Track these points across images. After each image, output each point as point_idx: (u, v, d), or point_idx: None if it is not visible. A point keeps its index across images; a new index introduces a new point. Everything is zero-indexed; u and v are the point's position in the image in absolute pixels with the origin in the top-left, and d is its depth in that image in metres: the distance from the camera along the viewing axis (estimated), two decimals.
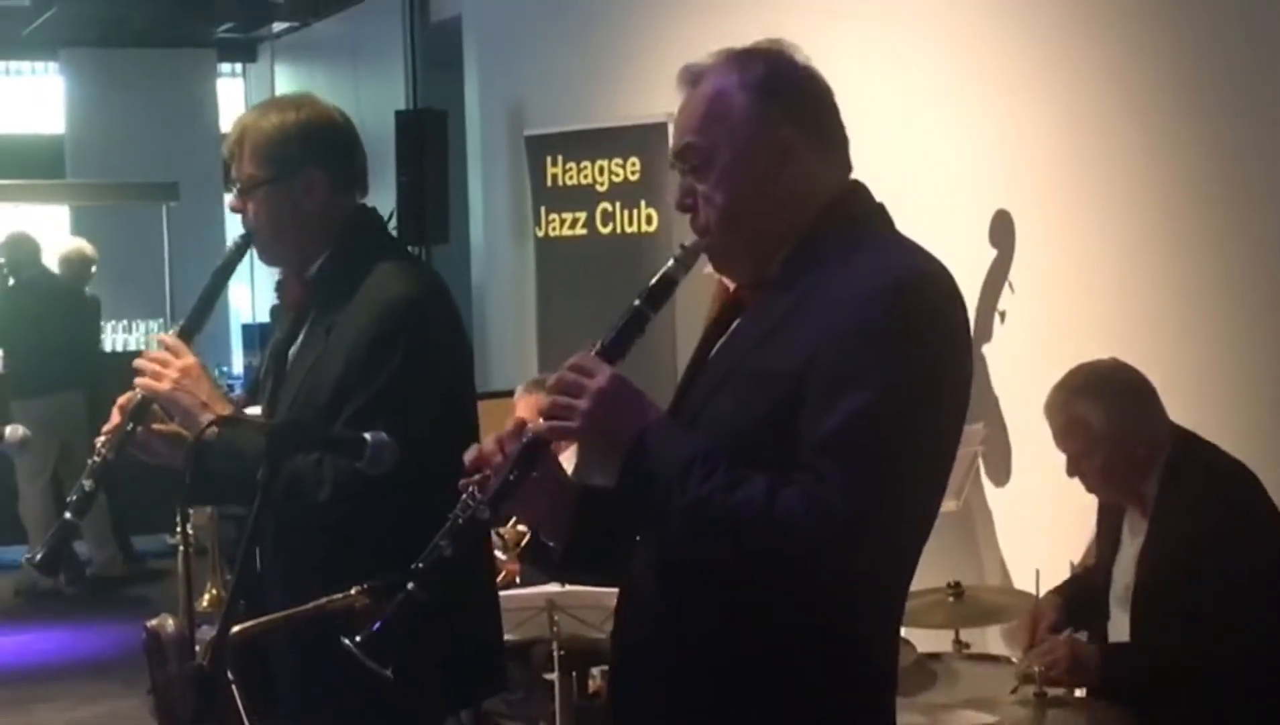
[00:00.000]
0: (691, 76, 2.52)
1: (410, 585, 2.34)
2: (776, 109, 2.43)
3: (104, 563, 10.11)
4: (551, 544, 2.59)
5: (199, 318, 3.42)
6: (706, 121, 2.45)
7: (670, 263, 2.45)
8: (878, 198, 2.49)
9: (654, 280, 2.44)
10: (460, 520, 2.37)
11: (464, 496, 2.38)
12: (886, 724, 2.43)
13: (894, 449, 2.21)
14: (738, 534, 2.21)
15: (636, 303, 2.43)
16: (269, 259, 3.42)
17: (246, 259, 3.50)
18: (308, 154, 3.27)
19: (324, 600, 2.89)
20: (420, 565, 2.36)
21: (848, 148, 2.50)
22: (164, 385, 3.22)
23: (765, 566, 2.22)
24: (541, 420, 2.34)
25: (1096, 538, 4.32)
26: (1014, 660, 4.30)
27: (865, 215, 2.46)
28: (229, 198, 3.44)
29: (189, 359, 3.25)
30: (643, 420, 2.29)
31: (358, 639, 2.35)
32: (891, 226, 2.48)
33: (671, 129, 2.54)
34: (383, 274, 3.25)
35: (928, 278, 2.33)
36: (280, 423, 2.94)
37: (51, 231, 12.08)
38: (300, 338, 3.36)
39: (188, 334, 3.35)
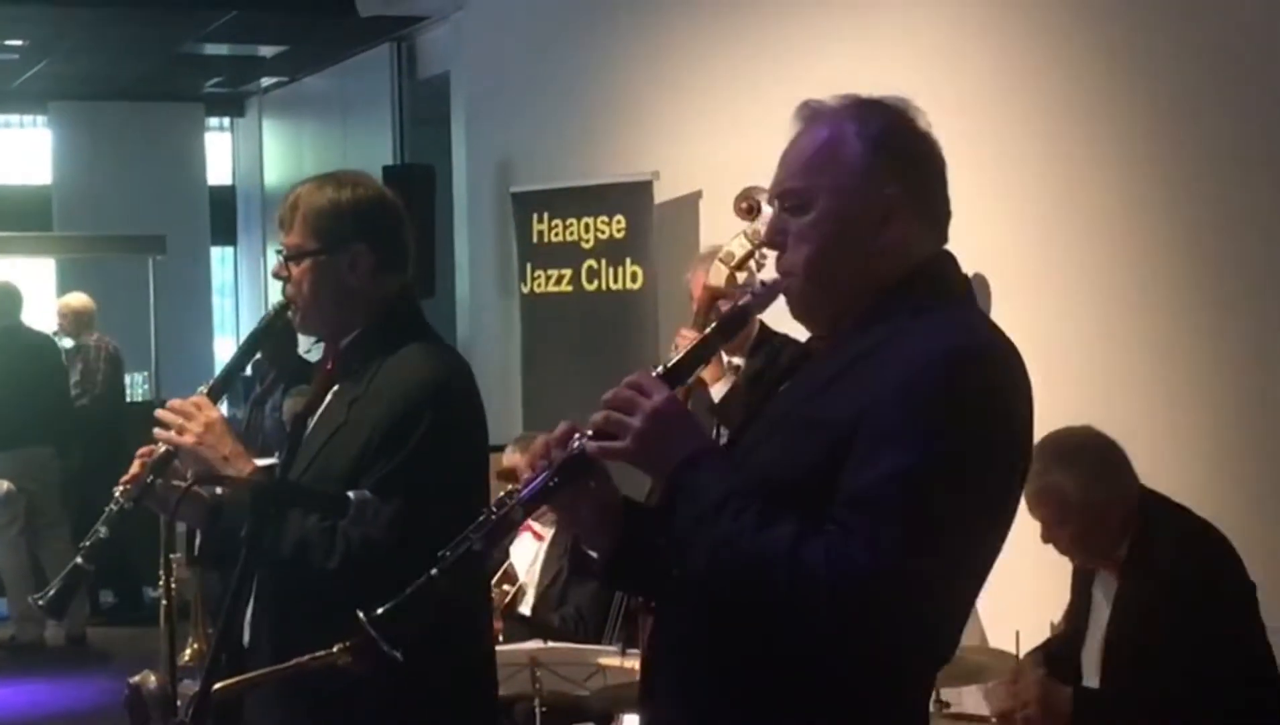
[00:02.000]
0: (809, 114, 2.43)
1: (434, 572, 2.31)
2: (888, 166, 2.35)
3: (19, 623, 9.88)
4: (594, 554, 2.52)
5: (229, 378, 3.49)
6: (814, 164, 2.37)
7: (748, 297, 2.39)
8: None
9: (729, 309, 2.41)
10: (494, 516, 2.32)
11: (501, 494, 2.34)
12: None
13: (924, 514, 2.15)
14: (757, 574, 2.17)
15: (709, 330, 2.40)
16: (305, 327, 3.44)
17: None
18: (357, 231, 3.30)
19: (305, 658, 2.89)
20: (446, 553, 2.32)
21: (948, 221, 2.44)
22: (187, 439, 3.22)
23: (779, 609, 2.18)
24: (591, 433, 2.28)
25: (1071, 599, 4.34)
26: (994, 721, 4.31)
27: (947, 284, 2.39)
28: (273, 263, 3.45)
29: (213, 413, 3.26)
30: (694, 445, 2.26)
31: (373, 615, 2.31)
32: (971, 298, 2.43)
33: (776, 162, 2.42)
34: (409, 354, 3.28)
35: (988, 352, 2.28)
36: (264, 481, 2.96)
37: (38, 284, 12.09)
38: (322, 407, 3.36)
39: (216, 393, 3.37)
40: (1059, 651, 4.33)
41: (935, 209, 2.42)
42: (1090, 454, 4.11)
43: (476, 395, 3.40)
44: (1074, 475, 4.05)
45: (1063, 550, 4.17)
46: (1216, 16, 4.78)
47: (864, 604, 2.14)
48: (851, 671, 2.23)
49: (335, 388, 3.34)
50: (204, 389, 3.35)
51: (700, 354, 2.40)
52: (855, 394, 2.23)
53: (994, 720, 4.06)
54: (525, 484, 2.33)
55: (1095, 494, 4.05)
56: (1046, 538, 4.14)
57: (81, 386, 10.51)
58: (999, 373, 2.29)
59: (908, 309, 2.31)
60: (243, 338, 3.52)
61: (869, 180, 2.34)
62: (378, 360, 3.28)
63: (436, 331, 3.49)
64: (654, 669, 2.48)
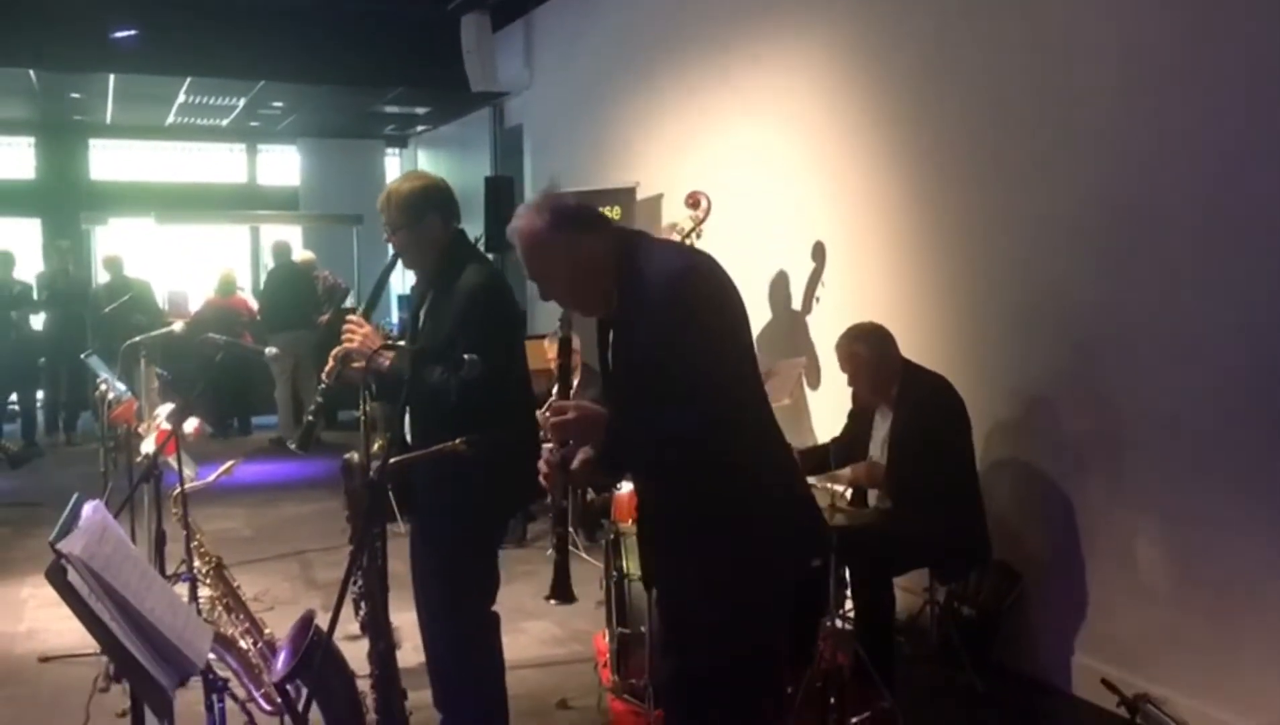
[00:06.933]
0: (513, 226, 2.39)
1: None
2: (564, 228, 2.32)
3: (284, 430, 9.99)
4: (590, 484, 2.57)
5: (374, 300, 3.41)
6: (533, 253, 2.35)
7: (559, 330, 2.42)
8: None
9: (558, 343, 2.40)
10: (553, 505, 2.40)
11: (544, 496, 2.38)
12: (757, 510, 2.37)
13: (707, 375, 2.18)
14: (656, 441, 2.24)
15: (560, 362, 2.40)
16: (409, 266, 3.39)
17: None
18: (428, 207, 3.22)
19: (441, 446, 2.91)
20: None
21: (607, 222, 2.39)
22: (356, 341, 3.21)
23: (671, 446, 2.24)
24: (555, 446, 2.32)
25: (850, 421, 4.36)
26: (822, 486, 4.29)
27: (636, 250, 2.34)
28: (385, 234, 3.39)
29: (368, 327, 3.23)
30: (601, 419, 2.25)
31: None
32: (652, 243, 2.37)
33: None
34: (472, 271, 3.22)
35: (681, 271, 2.24)
36: (417, 349, 2.95)
37: (294, 242, 11.98)
38: (427, 304, 3.33)
39: (368, 310, 3.32)
40: (832, 447, 4.34)
41: (595, 225, 2.36)
42: (873, 335, 4.12)
43: (510, 289, 3.33)
44: (864, 347, 4.07)
45: (858, 391, 4.19)
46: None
47: (701, 427, 2.19)
48: (707, 458, 2.25)
49: (433, 293, 3.29)
50: (360, 310, 3.30)
51: (565, 376, 2.40)
52: (642, 340, 2.24)
53: (843, 488, 4.09)
54: (550, 490, 2.35)
55: (876, 357, 4.07)
56: (851, 384, 4.14)
57: (326, 300, 10.51)
58: (692, 278, 2.24)
59: (634, 277, 2.29)
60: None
61: (557, 241, 2.32)
62: (454, 275, 3.21)
63: (482, 253, 3.39)
64: (641, 501, 2.53)
